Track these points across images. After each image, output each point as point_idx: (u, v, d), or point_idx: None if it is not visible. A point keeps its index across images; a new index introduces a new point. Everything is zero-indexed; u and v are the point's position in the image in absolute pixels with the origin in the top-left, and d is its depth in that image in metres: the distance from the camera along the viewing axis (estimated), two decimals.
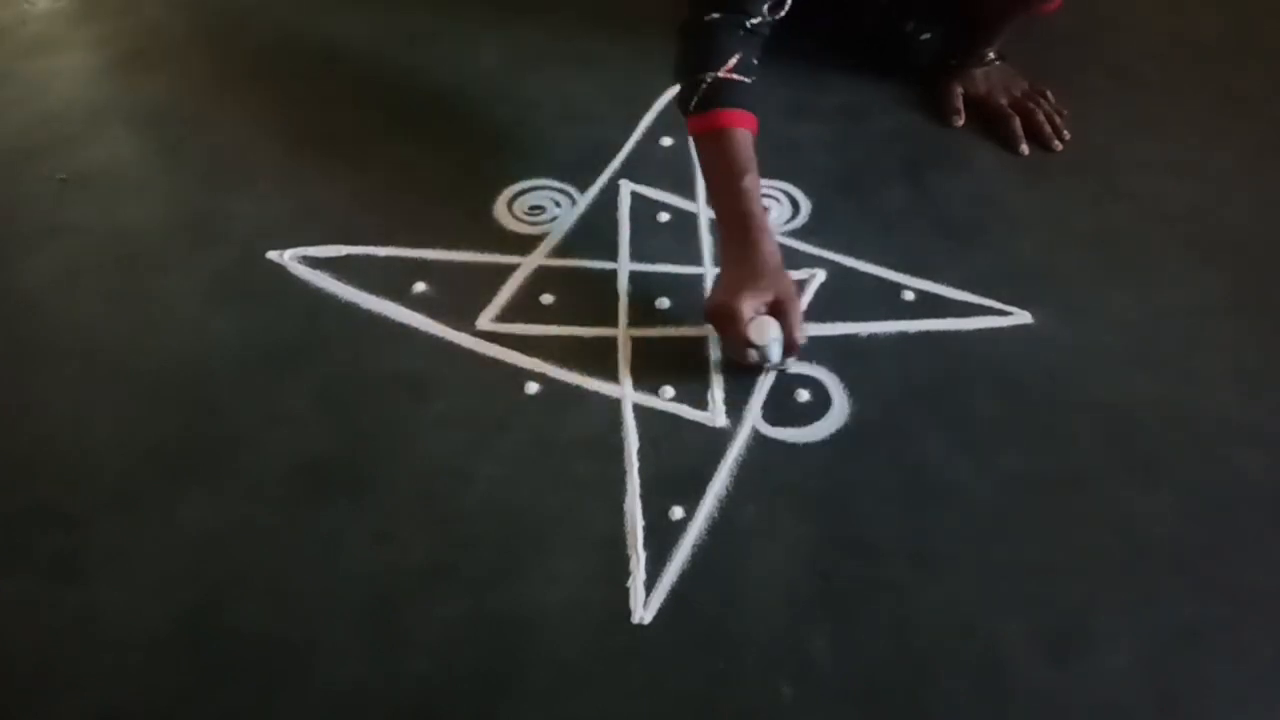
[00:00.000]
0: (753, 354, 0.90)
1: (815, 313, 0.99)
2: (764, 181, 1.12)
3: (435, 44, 1.34)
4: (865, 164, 1.17)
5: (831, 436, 0.89)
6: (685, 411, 0.91)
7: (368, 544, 0.82)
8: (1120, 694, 0.74)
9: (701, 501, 0.84)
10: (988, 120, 1.21)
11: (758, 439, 0.89)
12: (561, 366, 0.94)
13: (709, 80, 0.94)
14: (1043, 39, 1.29)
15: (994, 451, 0.88)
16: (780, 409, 0.91)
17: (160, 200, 1.14)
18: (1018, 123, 1.19)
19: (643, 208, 1.11)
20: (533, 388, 0.93)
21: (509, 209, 1.10)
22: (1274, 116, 1.24)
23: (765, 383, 0.93)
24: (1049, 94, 1.22)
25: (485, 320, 0.98)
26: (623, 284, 1.02)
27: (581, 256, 1.05)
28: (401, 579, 0.80)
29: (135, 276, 1.04)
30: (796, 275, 1.02)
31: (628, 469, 0.87)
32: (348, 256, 1.05)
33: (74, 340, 0.98)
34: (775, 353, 0.90)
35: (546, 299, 1.01)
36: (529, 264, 1.04)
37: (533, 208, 1.10)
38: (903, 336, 0.98)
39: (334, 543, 0.82)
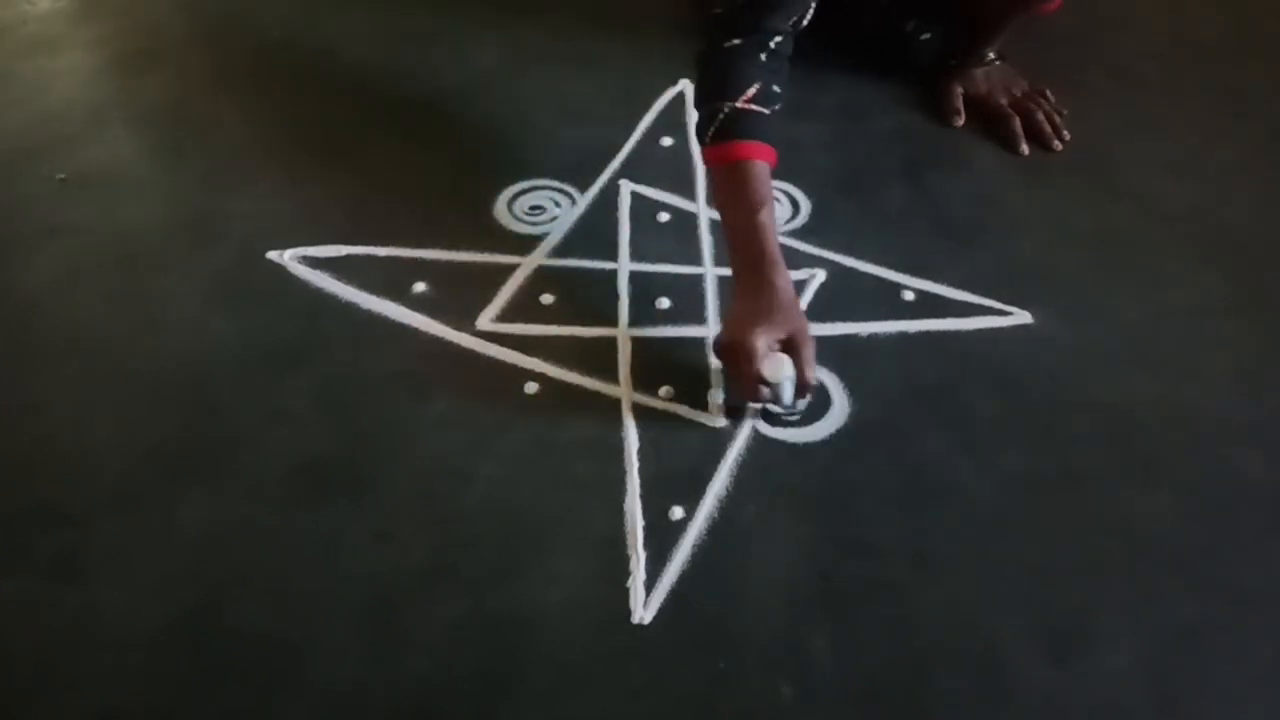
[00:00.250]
0: (765, 392, 0.86)
1: (815, 313, 0.99)
2: None
3: (435, 44, 1.34)
4: (865, 164, 1.17)
5: (831, 436, 0.89)
6: (685, 411, 0.91)
7: (368, 544, 0.82)
8: (1120, 694, 0.74)
9: (701, 501, 0.84)
10: (988, 120, 1.21)
11: (758, 439, 0.89)
12: (561, 366, 0.94)
13: (726, 110, 0.91)
14: (1043, 39, 1.29)
15: (994, 451, 0.88)
16: (781, 409, 0.91)
17: (160, 200, 1.14)
18: (1018, 123, 1.19)
19: (643, 208, 1.11)
20: (533, 388, 0.93)
21: (509, 209, 1.10)
22: (1274, 116, 1.24)
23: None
24: (1049, 94, 1.22)
25: (485, 320, 0.98)
26: (623, 284, 1.02)
27: (581, 256, 1.05)
28: (401, 579, 0.80)
29: (135, 276, 1.04)
30: (797, 275, 1.02)
31: (628, 469, 0.87)
32: (348, 256, 1.05)
33: (74, 340, 0.98)
34: (788, 392, 0.86)
35: (546, 299, 1.01)
36: (529, 264, 1.04)
37: (533, 208, 1.10)
38: (903, 336, 0.98)
39: (334, 543, 0.82)
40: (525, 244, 1.06)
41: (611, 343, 0.97)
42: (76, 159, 1.18)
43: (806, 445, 0.89)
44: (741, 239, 0.90)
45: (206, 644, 0.76)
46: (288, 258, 1.05)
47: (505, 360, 0.95)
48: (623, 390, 0.93)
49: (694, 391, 0.92)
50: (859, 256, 1.05)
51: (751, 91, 0.91)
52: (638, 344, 0.97)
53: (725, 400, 0.91)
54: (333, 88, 1.28)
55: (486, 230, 1.08)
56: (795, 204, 1.11)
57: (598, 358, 0.95)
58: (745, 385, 0.87)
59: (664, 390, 0.92)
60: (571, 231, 1.08)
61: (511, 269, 1.03)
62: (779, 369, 0.85)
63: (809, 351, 0.86)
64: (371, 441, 0.89)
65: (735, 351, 0.86)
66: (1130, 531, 0.83)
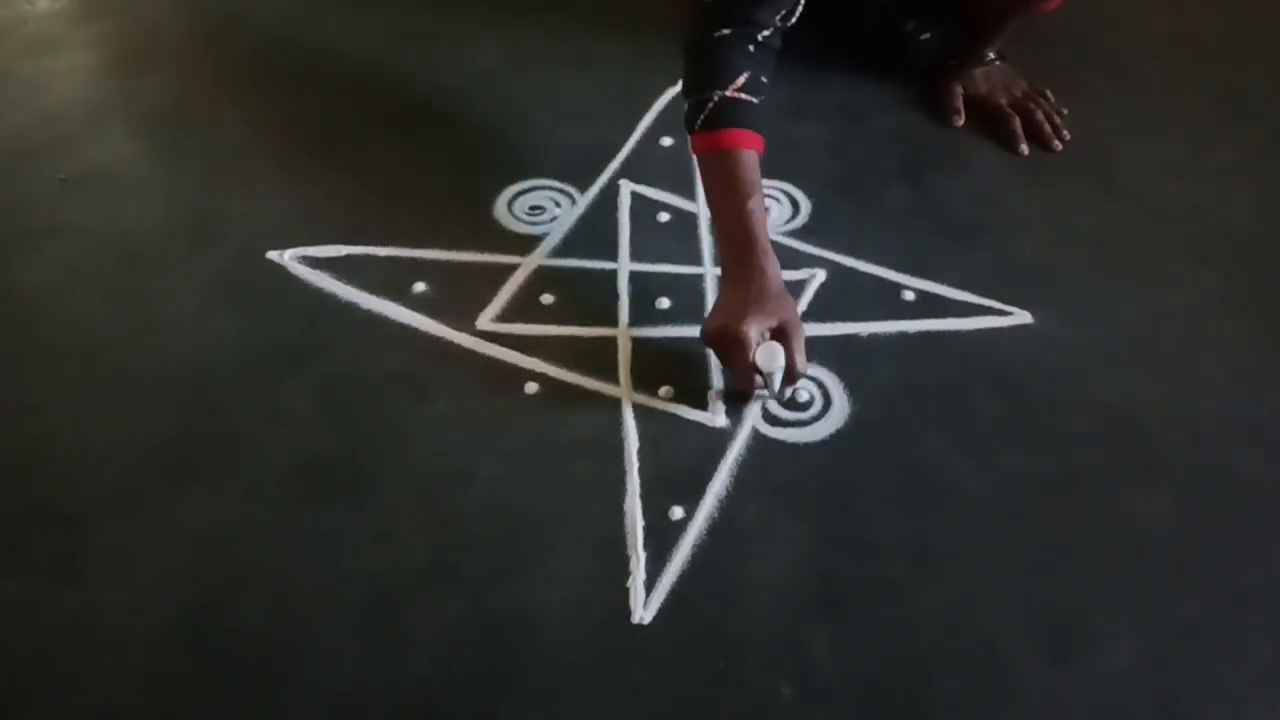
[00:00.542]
0: (758, 380, 0.88)
1: (815, 313, 0.99)
2: (764, 181, 1.13)
3: (435, 44, 1.34)
4: (865, 164, 1.17)
5: (831, 436, 0.89)
6: (685, 411, 0.91)
7: (368, 544, 0.82)
8: (1120, 694, 0.74)
9: (701, 501, 0.84)
10: (988, 120, 1.21)
11: (758, 439, 0.89)
12: (561, 366, 0.94)
13: (715, 99, 0.92)
14: (1043, 39, 1.29)
15: (994, 451, 0.88)
16: (780, 409, 0.91)
17: (160, 200, 1.14)
18: (1018, 123, 1.19)
19: (643, 208, 1.11)
20: (533, 388, 0.93)
21: (509, 209, 1.10)
22: (1274, 116, 1.24)
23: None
24: (1049, 94, 1.22)
25: (485, 320, 0.98)
26: (623, 284, 1.02)
27: (581, 256, 1.05)
28: (401, 579, 0.80)
29: (135, 276, 1.04)
30: (796, 275, 1.03)
31: (628, 469, 0.87)
32: (348, 256, 1.05)
33: (74, 340, 0.98)
34: (778, 381, 0.87)
35: (546, 299, 1.01)
36: (529, 264, 1.04)
37: (533, 208, 1.10)
38: (903, 336, 0.98)
39: (334, 543, 0.82)
40: (525, 244, 1.06)
41: (611, 343, 0.97)
42: (76, 159, 1.18)
43: (806, 445, 0.89)
44: (730, 227, 0.91)
45: (206, 644, 0.76)
46: (288, 258, 1.05)
47: (505, 360, 0.95)
48: (623, 390, 0.93)
49: (694, 391, 0.92)
50: (859, 256, 1.05)
51: (740, 80, 0.92)
52: (638, 344, 0.97)
53: (725, 390, 0.92)
54: (333, 88, 1.28)
55: (486, 230, 1.07)
56: (795, 204, 1.11)
57: (598, 358, 0.95)
58: (741, 375, 0.88)
59: (664, 390, 0.92)
60: (571, 231, 1.08)
61: (511, 269, 1.03)
62: (773, 358, 0.85)
63: (799, 340, 0.87)
64: (371, 441, 0.89)
65: (728, 341, 0.86)
66: (1130, 531, 0.83)
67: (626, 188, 1.13)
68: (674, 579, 0.79)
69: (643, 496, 0.85)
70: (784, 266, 1.02)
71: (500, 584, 0.79)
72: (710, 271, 1.03)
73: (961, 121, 1.21)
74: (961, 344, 0.97)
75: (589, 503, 0.85)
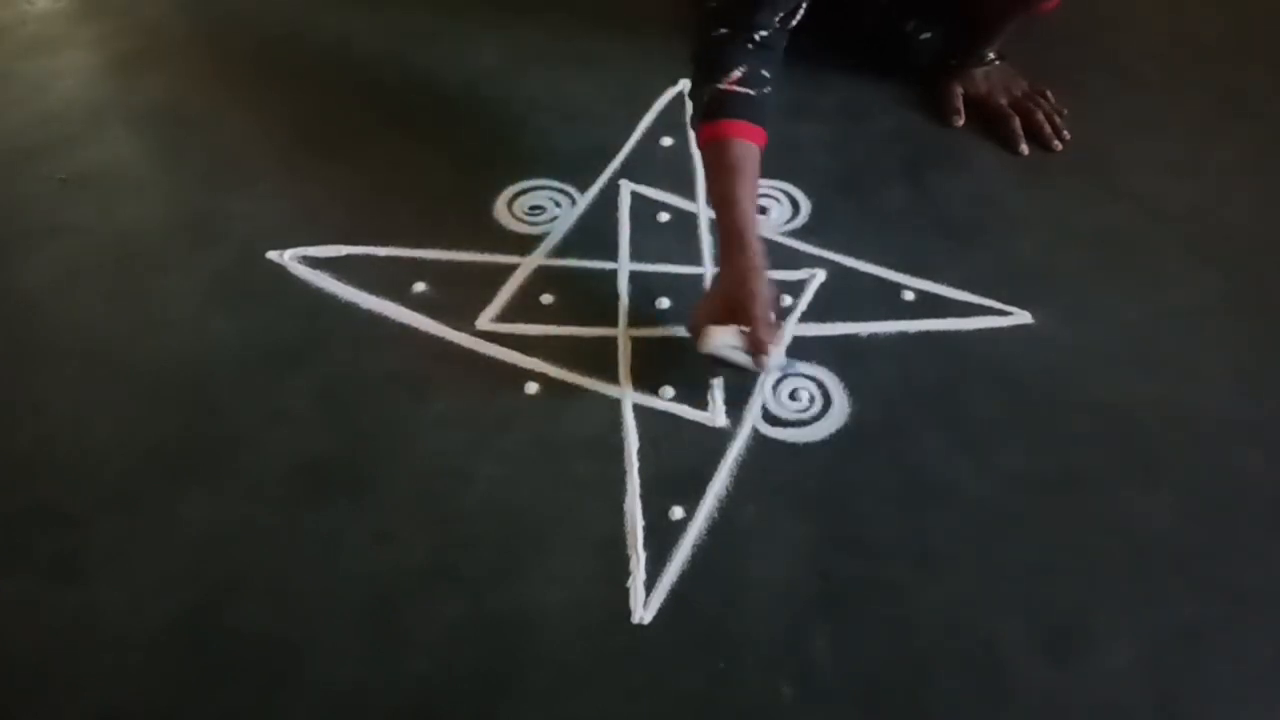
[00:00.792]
0: (736, 357, 0.88)
1: (815, 313, 0.99)
2: (764, 181, 1.12)
3: (435, 44, 1.34)
4: (865, 164, 1.17)
5: (831, 436, 0.89)
6: (685, 411, 0.91)
7: (368, 544, 0.82)
8: (1120, 694, 0.74)
9: (701, 501, 0.84)
10: (988, 120, 1.21)
11: (758, 439, 0.89)
12: (561, 366, 0.94)
13: (710, 93, 0.94)
14: (1043, 39, 1.29)
15: (994, 451, 0.88)
16: (780, 409, 0.91)
17: (160, 200, 1.14)
18: (1018, 123, 1.19)
19: (643, 208, 1.11)
20: (533, 388, 0.93)
21: (509, 209, 1.10)
22: (1274, 116, 1.24)
23: (765, 383, 0.93)
24: (1049, 94, 1.22)
25: (485, 320, 0.98)
26: (623, 284, 1.02)
27: (581, 256, 1.05)
28: (401, 579, 0.80)
29: (135, 276, 1.04)
30: (796, 275, 1.03)
31: (628, 469, 0.87)
32: (348, 256, 1.05)
33: (74, 340, 0.98)
34: (739, 358, 0.87)
35: (546, 299, 1.01)
36: (529, 264, 1.04)
37: (533, 208, 1.10)
38: (903, 336, 0.98)
39: (334, 543, 0.82)
40: (525, 244, 1.06)
41: (611, 343, 0.97)
42: (76, 159, 1.18)
43: (806, 445, 0.89)
44: (717, 215, 0.93)
45: (206, 644, 0.76)
46: (288, 258, 1.05)
47: (505, 360, 0.95)
48: (623, 390, 0.93)
49: (694, 391, 0.92)
50: (859, 256, 1.05)
51: (737, 74, 0.93)
52: (638, 344, 0.97)
53: (723, 368, 0.92)
54: (333, 88, 1.28)
55: (486, 230, 1.07)
56: (795, 204, 1.11)
57: (598, 358, 0.95)
58: (759, 323, 0.87)
59: (664, 390, 0.92)
60: (571, 231, 1.08)
61: (511, 269, 1.03)
62: (709, 340, 0.87)
63: (753, 313, 0.86)
64: (371, 441, 0.89)
65: (690, 328, 0.91)
66: (1130, 531, 0.83)
67: (626, 188, 1.13)
68: (674, 579, 0.79)
69: (643, 496, 0.85)
70: (784, 266, 1.03)
71: (500, 584, 0.79)
72: (710, 271, 1.03)
73: (961, 121, 1.21)
74: (961, 344, 0.97)
75: (589, 503, 0.85)
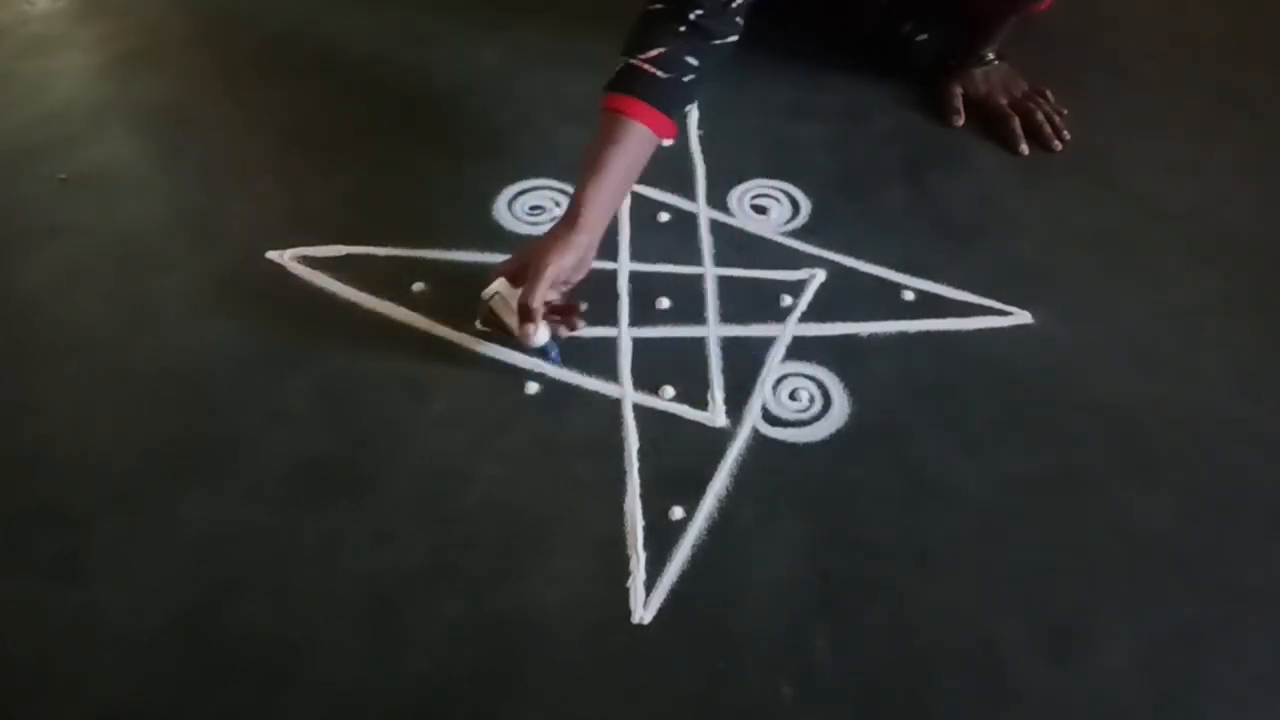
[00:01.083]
0: (506, 315, 0.91)
1: (815, 313, 0.99)
2: (764, 181, 1.13)
3: (435, 44, 1.34)
4: (865, 164, 1.17)
5: (831, 436, 0.89)
6: (685, 411, 0.91)
7: (368, 544, 0.82)
8: (1120, 694, 0.74)
9: (701, 501, 0.84)
10: (988, 120, 1.21)
11: (758, 439, 0.89)
12: (561, 366, 0.94)
13: (622, 64, 0.93)
14: (1043, 39, 1.29)
15: (994, 451, 0.88)
16: (780, 409, 0.91)
17: (160, 200, 1.14)
18: (1018, 123, 1.19)
19: (643, 208, 1.11)
20: (533, 388, 0.93)
21: (509, 209, 1.10)
22: (1274, 116, 1.24)
23: (766, 382, 0.93)
24: (1049, 94, 1.22)
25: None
26: (623, 284, 1.02)
27: None
28: (401, 579, 0.80)
29: (135, 276, 1.04)
30: (796, 275, 1.03)
31: (628, 469, 0.87)
32: (348, 256, 1.05)
33: (74, 340, 0.98)
34: (509, 319, 0.90)
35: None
36: None
37: (533, 208, 1.10)
38: (903, 336, 0.98)
39: (334, 543, 0.82)
40: (525, 244, 1.06)
41: (611, 343, 0.97)
42: (76, 159, 1.18)
43: (806, 445, 0.89)
44: (579, 178, 0.93)
45: (206, 644, 0.76)
46: (288, 258, 1.05)
47: (505, 360, 0.95)
48: (623, 390, 0.93)
49: (694, 391, 0.92)
50: (859, 256, 1.05)
51: (654, 53, 0.92)
52: (638, 344, 0.97)
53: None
54: (333, 87, 1.28)
55: (486, 230, 1.07)
56: (795, 204, 1.11)
57: (598, 358, 0.95)
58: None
59: (664, 390, 0.92)
60: None
61: None
62: (490, 287, 0.90)
63: (530, 283, 0.87)
64: (371, 441, 0.89)
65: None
66: (1130, 531, 0.83)
67: None
68: (674, 579, 0.80)
69: (643, 496, 0.85)
70: (784, 266, 1.03)
71: (500, 584, 0.79)
72: (710, 271, 1.03)
73: (961, 121, 1.21)
74: (961, 344, 0.97)
75: (589, 503, 0.85)
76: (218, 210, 1.11)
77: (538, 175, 1.13)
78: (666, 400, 0.92)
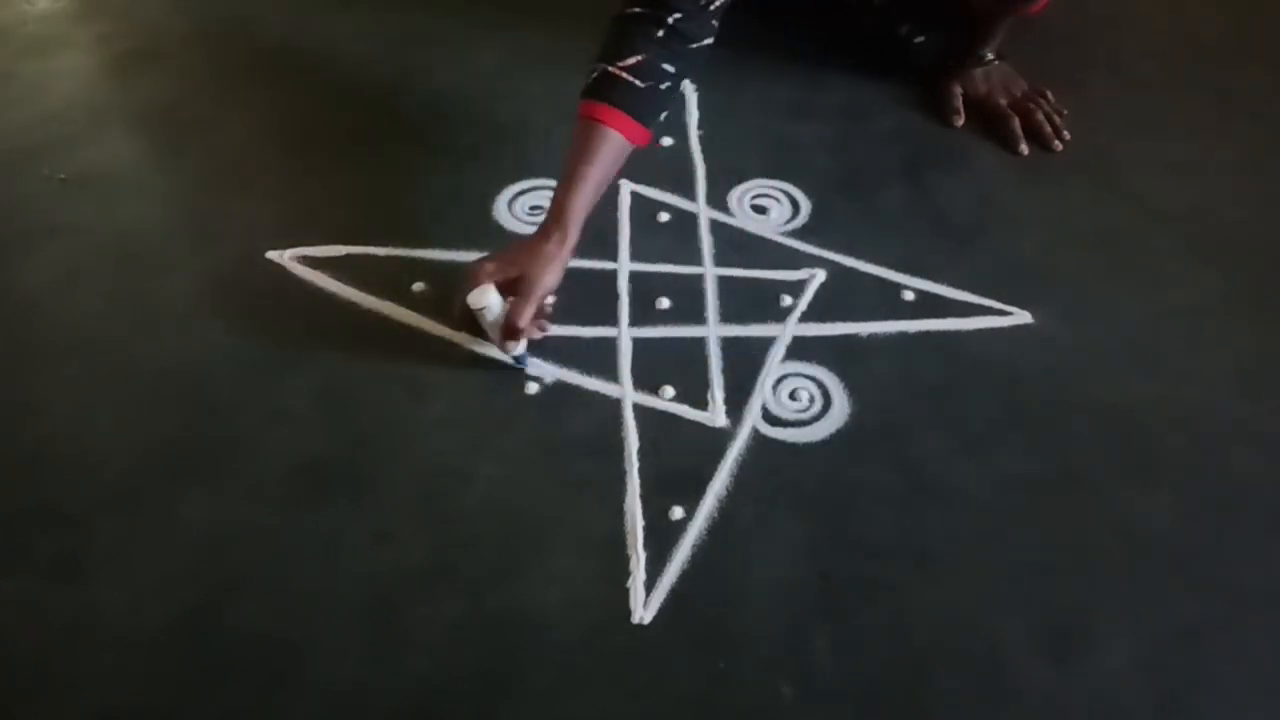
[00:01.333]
0: (489, 325, 0.89)
1: (815, 313, 0.99)
2: (764, 181, 1.13)
3: (435, 44, 1.34)
4: (865, 164, 1.17)
5: (831, 436, 0.89)
6: (685, 411, 0.91)
7: (368, 544, 0.82)
8: (1120, 694, 0.74)
9: (701, 501, 0.84)
10: (988, 120, 1.21)
11: (758, 439, 0.89)
12: (561, 366, 0.94)
13: (598, 71, 0.93)
14: (1042, 39, 1.29)
15: (994, 451, 0.88)
16: (780, 409, 0.91)
17: (160, 200, 1.14)
18: (1017, 123, 1.19)
19: (643, 208, 1.11)
20: (533, 388, 0.93)
21: (509, 209, 1.10)
22: (1274, 116, 1.24)
23: (766, 382, 0.93)
24: (1049, 94, 1.22)
25: None
26: (623, 284, 1.02)
27: (581, 256, 1.04)
28: (401, 579, 0.80)
29: (135, 276, 1.04)
30: (796, 275, 1.03)
31: (628, 469, 0.87)
32: (347, 256, 1.05)
33: (74, 340, 0.98)
34: (486, 322, 0.89)
35: (547, 299, 1.00)
36: None
37: (533, 208, 1.10)
38: (903, 336, 0.98)
39: (334, 543, 0.82)
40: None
41: (611, 343, 0.97)
42: (76, 159, 1.18)
43: (806, 445, 0.89)
44: (557, 189, 0.93)
45: (206, 644, 0.76)
46: (288, 258, 1.05)
47: (505, 360, 0.95)
48: (623, 390, 0.93)
49: (694, 391, 0.92)
50: (859, 256, 1.05)
51: (632, 60, 0.91)
52: (638, 344, 0.97)
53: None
54: (333, 88, 1.28)
55: (486, 230, 1.07)
56: (795, 204, 1.11)
57: (598, 358, 0.95)
58: (453, 305, 0.90)
59: (664, 390, 0.92)
60: None
61: None
62: (479, 297, 0.87)
63: (526, 299, 0.87)
64: (371, 441, 0.89)
65: (465, 274, 0.90)
66: (1130, 531, 0.83)
67: (626, 188, 1.12)
68: (674, 579, 0.80)
69: (643, 496, 0.85)
70: (784, 266, 1.03)
71: (500, 584, 0.79)
72: (710, 271, 1.03)
73: (961, 122, 1.21)
74: (961, 344, 0.97)
75: (589, 503, 0.85)
76: (218, 210, 1.11)
77: (538, 175, 1.13)
78: (666, 400, 0.92)
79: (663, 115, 0.98)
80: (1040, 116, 1.19)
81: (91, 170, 1.16)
